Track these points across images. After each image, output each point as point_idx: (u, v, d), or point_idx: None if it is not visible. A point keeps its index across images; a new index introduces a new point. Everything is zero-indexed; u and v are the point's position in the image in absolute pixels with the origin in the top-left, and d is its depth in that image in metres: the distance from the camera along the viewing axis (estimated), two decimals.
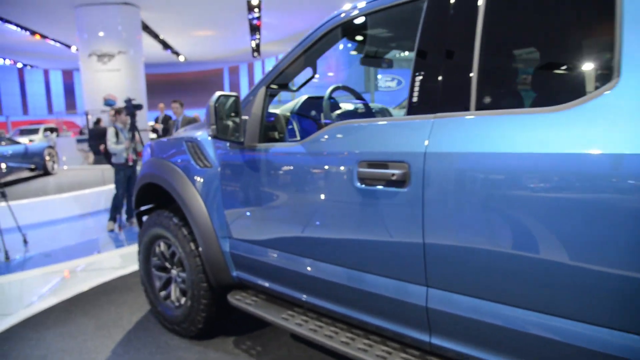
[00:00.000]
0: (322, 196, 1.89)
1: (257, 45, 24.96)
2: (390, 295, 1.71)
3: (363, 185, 1.73)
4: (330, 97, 2.25)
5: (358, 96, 2.67)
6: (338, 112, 2.42)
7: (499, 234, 1.40)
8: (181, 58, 27.51)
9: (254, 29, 21.28)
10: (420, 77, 1.64)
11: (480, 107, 1.50)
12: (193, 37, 21.92)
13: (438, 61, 1.61)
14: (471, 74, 1.52)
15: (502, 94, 1.60)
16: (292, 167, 2.02)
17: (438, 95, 1.58)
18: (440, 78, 1.59)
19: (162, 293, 2.95)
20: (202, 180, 2.48)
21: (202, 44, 23.78)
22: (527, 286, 1.37)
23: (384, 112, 2.90)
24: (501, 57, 1.63)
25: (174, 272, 2.86)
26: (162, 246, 2.88)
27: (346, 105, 2.73)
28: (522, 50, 1.66)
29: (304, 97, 2.54)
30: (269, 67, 25.41)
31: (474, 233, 1.45)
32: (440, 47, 1.61)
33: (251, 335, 2.83)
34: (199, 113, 12.52)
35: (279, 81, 2.25)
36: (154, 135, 14.47)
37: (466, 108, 1.51)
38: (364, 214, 1.75)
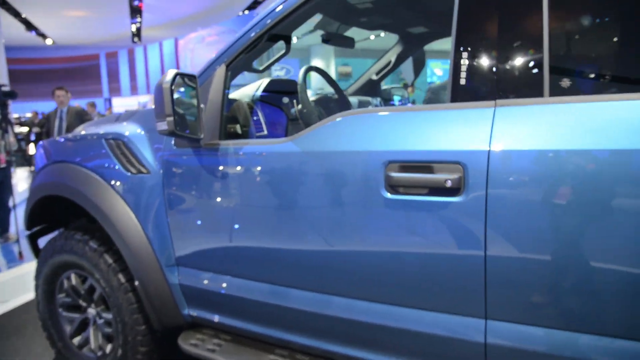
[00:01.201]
0: (330, 210, 1.42)
1: (138, 30, 22.88)
2: (434, 332, 1.32)
3: (394, 195, 1.30)
4: (305, 81, 1.78)
5: (330, 80, 2.21)
6: (312, 99, 1.95)
7: (595, 249, 1.10)
8: (48, 41, 24.20)
9: (135, 11, 19.38)
10: (468, 54, 1.25)
11: (557, 91, 1.17)
12: (63, 17, 19.33)
13: (494, 32, 1.23)
14: (544, 49, 1.17)
15: (586, 73, 1.27)
16: (281, 173, 1.51)
17: (499, 77, 1.22)
18: (499, 55, 1.22)
19: (76, 340, 2.24)
20: (135, 190, 1.85)
21: (74, 25, 21.09)
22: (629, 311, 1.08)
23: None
24: (581, 26, 1.30)
25: (92, 311, 2.18)
26: (74, 279, 2.17)
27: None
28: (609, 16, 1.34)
29: (266, 80, 2.01)
30: (152, 54, 23.54)
31: (559, 249, 1.13)
32: (494, 14, 1.24)
33: None
34: (80, 103, 10.94)
35: (242, 59, 1.72)
36: (21, 130, 12.43)
37: (539, 93, 1.17)
38: (395, 232, 1.32)
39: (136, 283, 1.87)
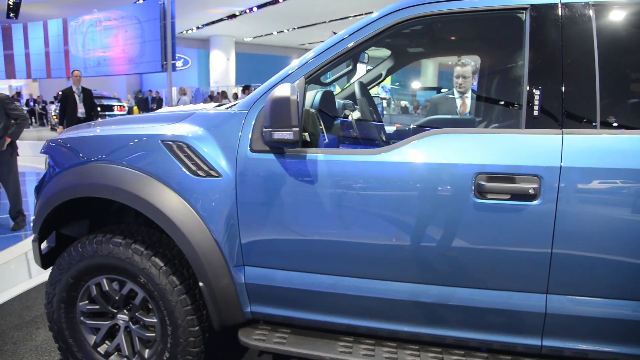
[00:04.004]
0: (422, 213, 1.67)
1: (16, 5, 20.35)
2: (507, 307, 1.67)
3: (482, 200, 1.60)
4: (363, 96, 1.96)
5: (369, 97, 2.40)
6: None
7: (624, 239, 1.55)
8: None
9: None
10: (540, 93, 1.62)
11: (605, 124, 1.59)
12: None
13: (559, 76, 1.61)
14: (596, 90, 1.58)
15: (629, 111, 1.68)
16: (379, 180, 1.69)
17: (564, 112, 1.60)
18: (565, 94, 1.61)
19: (103, 348, 2.17)
20: (203, 194, 1.87)
21: None
22: None
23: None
24: (625, 71, 1.70)
25: (123, 317, 2.13)
26: (106, 284, 2.10)
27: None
28: None
29: (321, 91, 2.15)
30: (35, 34, 21.06)
31: (607, 240, 1.56)
32: (558, 62, 1.62)
33: None
34: None
35: (319, 73, 1.86)
36: None
37: (592, 125, 1.59)
38: (481, 229, 1.63)
39: (200, 284, 1.90)
